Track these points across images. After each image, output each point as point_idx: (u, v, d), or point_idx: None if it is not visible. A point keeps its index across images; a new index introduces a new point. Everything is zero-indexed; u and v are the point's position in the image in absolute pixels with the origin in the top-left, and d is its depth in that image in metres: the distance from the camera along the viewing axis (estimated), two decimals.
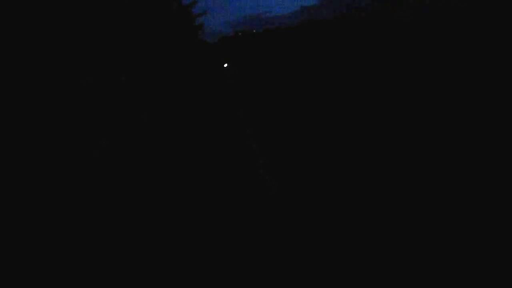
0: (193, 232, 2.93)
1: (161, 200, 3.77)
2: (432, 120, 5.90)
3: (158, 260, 2.53)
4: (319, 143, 5.71)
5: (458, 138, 4.94)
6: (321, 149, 5.35)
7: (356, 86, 10.74)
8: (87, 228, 3.20)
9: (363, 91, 9.90)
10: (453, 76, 6.79)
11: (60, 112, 9.21)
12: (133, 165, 5.20)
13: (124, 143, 6.63)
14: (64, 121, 8.23)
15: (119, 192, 4.06)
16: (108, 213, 3.50)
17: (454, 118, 5.64)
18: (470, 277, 2.04)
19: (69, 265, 2.55)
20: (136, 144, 6.43)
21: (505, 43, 6.50)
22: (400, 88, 8.38)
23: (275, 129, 6.97)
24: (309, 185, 3.85)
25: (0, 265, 2.63)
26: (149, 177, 4.54)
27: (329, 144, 5.58)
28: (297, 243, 2.57)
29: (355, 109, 8.16)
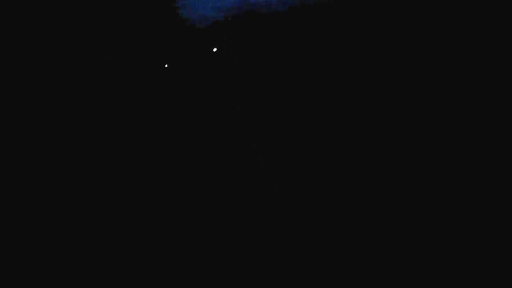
0: (193, 232, 3.03)
1: (161, 199, 3.85)
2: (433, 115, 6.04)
3: (157, 260, 2.62)
4: (322, 139, 5.80)
5: (456, 134, 5.09)
6: (324, 145, 5.44)
7: (359, 75, 10.67)
8: (87, 228, 3.28)
9: (367, 81, 9.85)
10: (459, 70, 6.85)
11: (60, 112, 9.15)
12: (133, 165, 5.29)
13: (124, 143, 6.70)
14: (64, 121, 8.20)
15: (119, 192, 4.15)
16: (108, 213, 3.58)
17: (456, 115, 5.78)
18: (469, 277, 2.19)
19: (69, 265, 2.61)
20: (136, 144, 6.51)
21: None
22: (408, 76, 8.38)
23: (275, 125, 7.04)
24: (310, 183, 3.96)
25: (0, 264, 2.73)
26: (149, 176, 4.63)
27: (332, 140, 5.68)
28: (297, 242, 2.70)
29: (359, 102, 8.19)
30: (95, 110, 9.26)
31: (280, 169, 4.53)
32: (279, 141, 5.89)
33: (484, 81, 6.19)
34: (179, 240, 2.95)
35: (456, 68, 7.01)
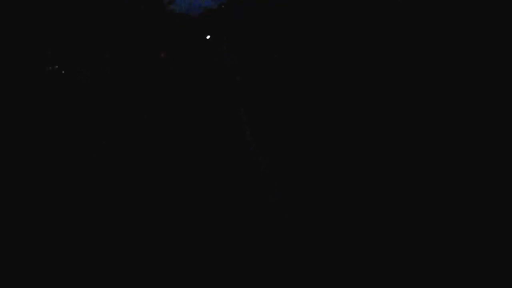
0: (193, 232, 3.05)
1: (161, 200, 3.89)
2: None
3: (157, 260, 2.63)
4: (322, 137, 5.84)
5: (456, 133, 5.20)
6: (324, 144, 5.49)
7: (361, 71, 10.44)
8: (87, 228, 3.29)
9: (369, 79, 9.68)
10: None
11: (60, 112, 9.04)
12: (133, 164, 5.34)
13: (124, 143, 6.73)
14: (64, 121, 8.15)
15: (119, 192, 4.19)
16: (108, 213, 3.62)
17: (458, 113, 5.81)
18: (470, 277, 2.23)
19: (69, 265, 2.65)
20: (136, 144, 6.55)
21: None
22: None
23: (275, 125, 7.07)
24: (311, 184, 4.02)
25: (0, 265, 2.80)
26: (149, 176, 4.67)
27: (332, 138, 5.72)
28: (297, 244, 2.74)
29: (360, 101, 8.15)
30: (95, 110, 9.18)
31: (280, 169, 4.58)
32: (278, 141, 5.93)
33: (484, 81, 6.22)
34: (179, 239, 2.94)
35: (456, 68, 7.02)
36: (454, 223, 2.86)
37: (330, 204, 3.41)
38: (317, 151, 5.26)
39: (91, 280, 2.43)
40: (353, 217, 3.10)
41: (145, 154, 5.90)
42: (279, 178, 4.31)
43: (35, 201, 4.16)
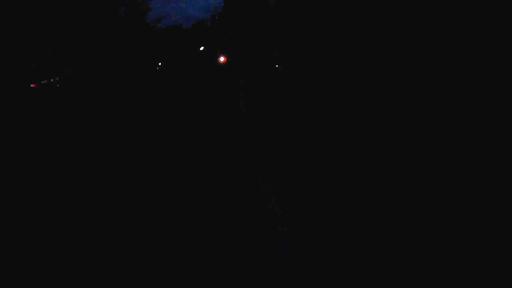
0: (192, 232, 3.02)
1: (160, 199, 3.88)
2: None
3: (154, 261, 2.60)
4: (324, 138, 5.86)
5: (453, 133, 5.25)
6: (325, 145, 5.50)
7: (359, 74, 10.43)
8: (87, 228, 3.26)
9: (368, 82, 9.68)
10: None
11: (60, 112, 9.00)
12: (133, 164, 5.34)
13: (124, 143, 6.73)
14: (64, 120, 8.12)
15: (118, 192, 4.17)
16: (107, 213, 3.59)
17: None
18: (470, 277, 2.17)
19: (69, 265, 2.62)
20: (136, 144, 6.55)
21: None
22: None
23: (276, 126, 7.10)
24: (311, 184, 4.00)
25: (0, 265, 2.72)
26: (149, 176, 4.66)
27: (333, 140, 5.73)
28: (296, 245, 2.68)
29: (359, 103, 8.20)
30: (95, 110, 9.13)
31: (280, 169, 4.58)
32: (280, 141, 5.95)
33: (483, 81, 6.25)
34: (178, 239, 2.92)
35: (455, 67, 7.05)
36: (452, 221, 2.85)
37: (330, 205, 3.38)
38: (317, 151, 5.28)
39: (90, 280, 2.41)
40: (352, 217, 3.07)
41: (145, 154, 5.90)
42: (280, 178, 4.30)
43: (35, 201, 4.15)
